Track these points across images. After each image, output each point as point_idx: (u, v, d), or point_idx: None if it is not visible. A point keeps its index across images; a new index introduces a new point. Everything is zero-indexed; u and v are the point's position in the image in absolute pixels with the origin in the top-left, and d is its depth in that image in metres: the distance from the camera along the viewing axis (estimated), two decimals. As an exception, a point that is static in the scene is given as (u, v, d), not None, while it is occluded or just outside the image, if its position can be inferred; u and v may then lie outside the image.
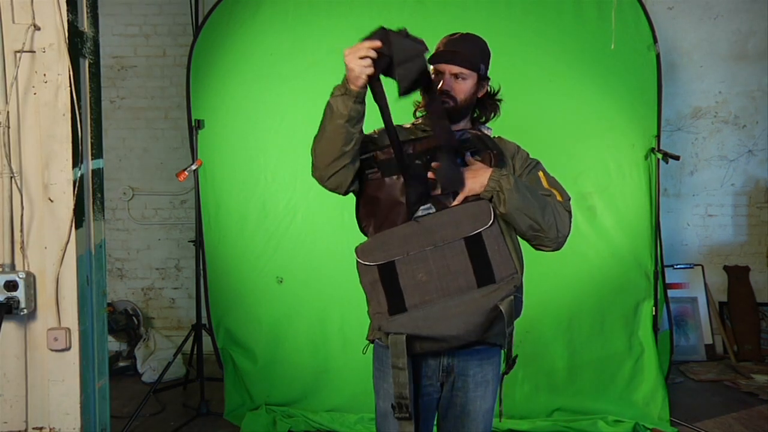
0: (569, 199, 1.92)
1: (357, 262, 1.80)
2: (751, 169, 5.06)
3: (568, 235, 1.87)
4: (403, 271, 1.75)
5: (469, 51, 1.92)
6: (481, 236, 1.73)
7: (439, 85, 1.89)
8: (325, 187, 1.85)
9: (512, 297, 1.72)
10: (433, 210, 1.78)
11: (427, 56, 1.77)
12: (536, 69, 3.60)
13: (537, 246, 1.87)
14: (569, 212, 1.89)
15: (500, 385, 1.98)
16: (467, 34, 1.97)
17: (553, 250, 1.88)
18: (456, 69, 1.89)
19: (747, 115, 5.03)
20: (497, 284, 1.71)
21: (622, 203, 3.65)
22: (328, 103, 1.79)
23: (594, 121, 3.64)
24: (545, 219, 1.80)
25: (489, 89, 1.99)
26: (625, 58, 3.60)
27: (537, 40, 3.62)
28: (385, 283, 1.76)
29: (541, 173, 1.93)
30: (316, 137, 1.82)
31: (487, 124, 2.01)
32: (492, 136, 1.98)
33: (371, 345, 1.98)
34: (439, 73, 1.91)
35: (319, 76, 3.66)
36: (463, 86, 1.91)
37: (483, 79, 1.95)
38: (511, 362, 1.86)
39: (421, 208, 1.78)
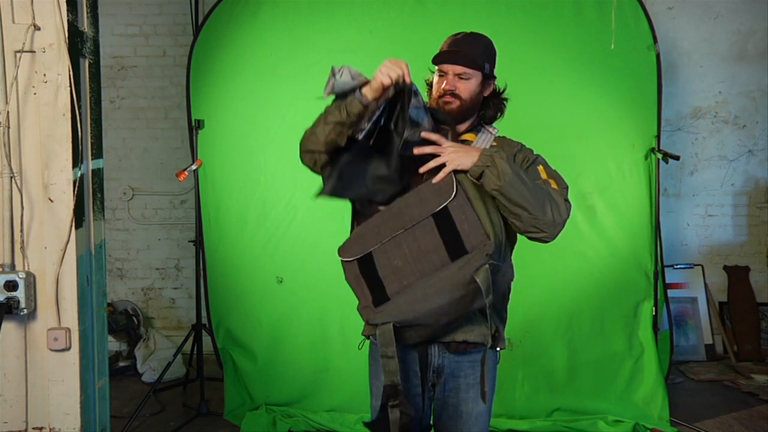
0: (566, 188, 1.87)
1: (341, 261, 1.82)
2: (751, 169, 5.06)
3: (563, 223, 1.79)
4: (380, 261, 1.76)
5: (472, 50, 1.90)
6: (448, 209, 1.70)
7: (443, 85, 1.88)
8: (301, 160, 1.88)
9: (487, 266, 1.67)
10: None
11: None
12: (536, 69, 3.60)
13: (531, 233, 1.78)
14: (566, 200, 1.83)
15: (494, 369, 1.95)
16: (472, 33, 1.95)
17: (547, 240, 1.79)
18: (459, 69, 1.87)
19: (747, 115, 5.03)
20: (470, 254, 1.67)
21: (622, 203, 3.65)
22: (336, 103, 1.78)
23: (594, 121, 3.64)
24: (538, 199, 1.74)
25: (495, 88, 1.97)
26: (625, 58, 3.60)
27: (537, 40, 3.62)
28: (366, 276, 1.77)
29: (540, 167, 1.90)
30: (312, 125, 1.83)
31: (492, 124, 1.99)
32: (497, 136, 1.97)
33: (367, 341, 1.99)
34: (443, 73, 1.89)
35: (319, 76, 3.64)
36: (467, 85, 1.89)
37: (488, 78, 1.93)
38: (494, 335, 1.79)
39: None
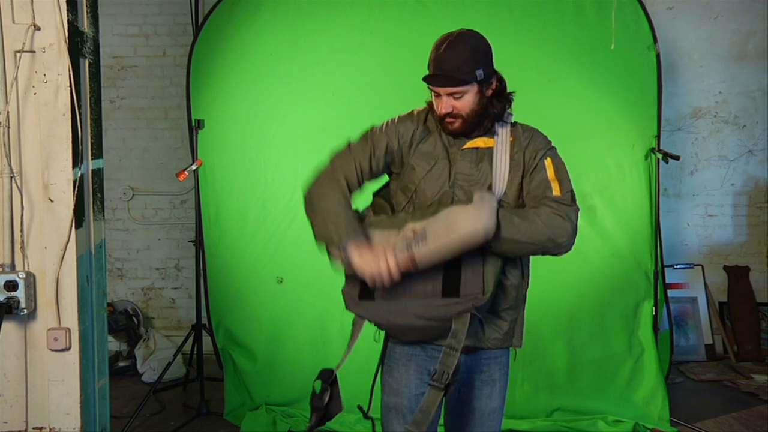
0: (569, 191, 1.84)
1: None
2: (751, 169, 5.06)
3: (572, 236, 1.81)
4: None
5: (457, 63, 1.79)
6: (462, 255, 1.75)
7: (441, 108, 1.84)
8: None
9: (468, 314, 1.74)
10: None
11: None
12: (536, 69, 3.60)
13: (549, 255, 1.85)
14: (569, 204, 1.82)
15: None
16: (455, 38, 1.83)
17: (567, 251, 1.84)
18: (450, 90, 1.82)
19: (747, 115, 5.03)
20: (460, 299, 1.74)
21: (622, 203, 3.65)
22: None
23: (594, 121, 3.64)
24: (539, 241, 1.77)
25: (497, 85, 1.88)
26: (625, 59, 3.60)
27: (537, 40, 3.61)
28: None
29: (549, 161, 1.87)
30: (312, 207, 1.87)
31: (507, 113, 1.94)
32: (512, 122, 1.94)
33: (381, 331, 1.99)
34: (438, 94, 1.85)
35: (319, 76, 3.70)
36: (464, 103, 1.83)
37: (485, 82, 1.84)
38: (442, 377, 1.77)
39: None
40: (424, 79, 1.85)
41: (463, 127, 1.85)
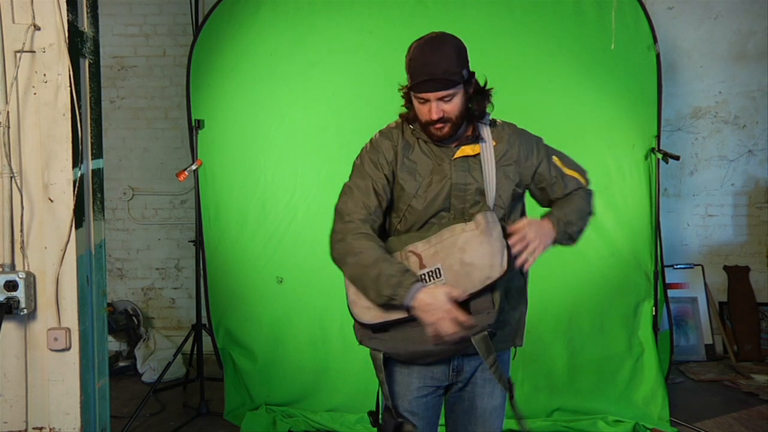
0: (586, 172, 2.04)
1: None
2: (751, 169, 5.06)
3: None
4: None
5: (446, 65, 1.76)
6: None
7: (430, 115, 1.79)
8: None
9: (485, 332, 1.74)
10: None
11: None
12: (536, 69, 3.60)
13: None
14: (585, 178, 2.04)
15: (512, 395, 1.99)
16: (436, 41, 1.80)
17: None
18: (441, 93, 1.77)
19: (747, 115, 5.03)
20: (473, 316, 1.73)
21: (622, 203, 3.65)
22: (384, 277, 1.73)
23: (594, 121, 3.64)
24: (587, 220, 1.99)
25: (477, 83, 1.86)
26: (625, 58, 3.60)
27: (537, 40, 3.61)
28: None
29: (556, 159, 1.96)
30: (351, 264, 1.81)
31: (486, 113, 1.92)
32: (493, 124, 1.92)
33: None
34: (424, 100, 1.79)
35: (319, 76, 3.70)
36: (453, 105, 1.79)
37: (469, 81, 1.83)
38: (508, 386, 1.88)
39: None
40: (412, 87, 1.80)
41: (452, 131, 1.82)
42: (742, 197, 5.08)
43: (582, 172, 2.02)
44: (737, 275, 5.02)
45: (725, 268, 5.05)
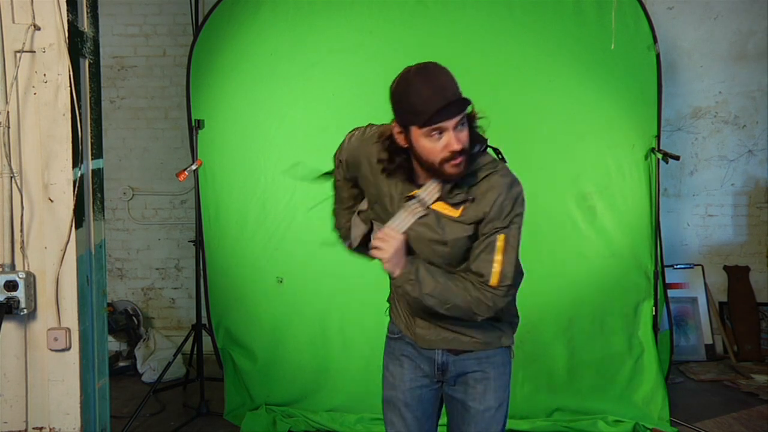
0: (507, 279, 1.71)
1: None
2: (751, 169, 5.06)
3: (492, 311, 1.75)
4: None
5: (453, 87, 1.62)
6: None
7: (451, 146, 1.60)
8: None
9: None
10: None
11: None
12: (536, 69, 3.60)
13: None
14: (499, 298, 1.72)
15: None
16: (427, 68, 1.64)
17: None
18: (458, 117, 1.61)
19: (747, 115, 5.03)
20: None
21: (622, 203, 3.64)
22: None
23: (594, 121, 3.64)
24: (459, 307, 1.74)
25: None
26: (625, 58, 3.60)
27: (537, 40, 3.61)
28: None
29: (501, 237, 1.69)
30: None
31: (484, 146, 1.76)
32: (487, 171, 1.72)
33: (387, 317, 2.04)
34: (441, 131, 1.61)
35: (319, 76, 3.70)
36: (465, 132, 1.65)
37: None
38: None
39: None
40: (425, 122, 1.59)
41: (467, 165, 1.65)
42: (742, 197, 5.08)
43: (505, 276, 1.70)
44: (737, 275, 5.02)
45: (725, 268, 5.05)
